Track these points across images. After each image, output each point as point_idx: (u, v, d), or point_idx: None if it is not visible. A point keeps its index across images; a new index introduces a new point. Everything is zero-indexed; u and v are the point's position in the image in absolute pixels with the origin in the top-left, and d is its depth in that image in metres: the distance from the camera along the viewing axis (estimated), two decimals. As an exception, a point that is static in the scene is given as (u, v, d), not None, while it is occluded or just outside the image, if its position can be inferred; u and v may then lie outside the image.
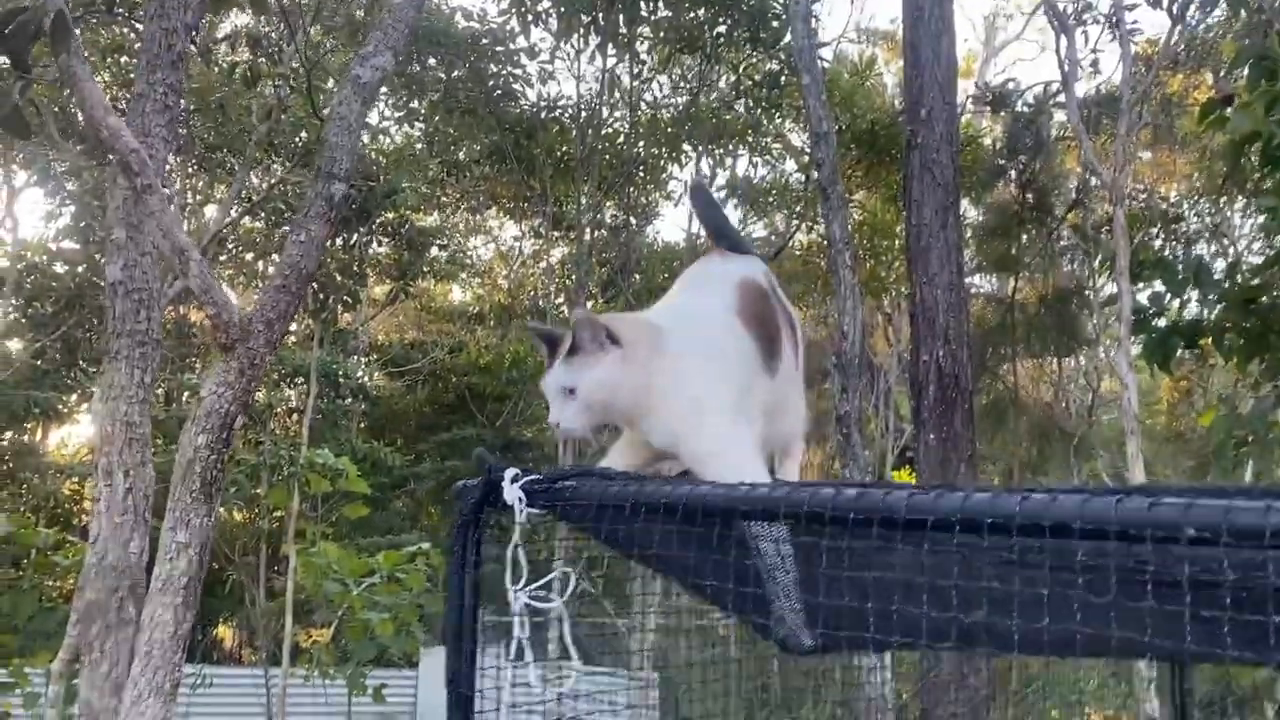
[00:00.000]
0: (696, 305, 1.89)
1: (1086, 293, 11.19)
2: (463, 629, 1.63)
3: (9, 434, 15.10)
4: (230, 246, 12.25)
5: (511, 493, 1.61)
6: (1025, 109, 9.51)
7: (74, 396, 15.54)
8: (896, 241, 11.35)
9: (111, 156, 2.85)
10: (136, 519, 3.12)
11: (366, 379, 15.88)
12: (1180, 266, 6.71)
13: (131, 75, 8.81)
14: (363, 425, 16.21)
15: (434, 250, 13.59)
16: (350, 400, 15.31)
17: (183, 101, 4.01)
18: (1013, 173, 10.16)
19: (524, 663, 1.58)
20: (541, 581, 1.59)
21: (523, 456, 17.64)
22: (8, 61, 2.20)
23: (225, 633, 17.50)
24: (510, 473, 1.63)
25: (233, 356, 2.86)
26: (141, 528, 3.12)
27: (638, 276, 11.12)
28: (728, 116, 10.45)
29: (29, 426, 15.71)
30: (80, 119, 7.99)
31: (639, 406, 1.70)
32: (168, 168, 4.29)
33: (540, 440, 17.00)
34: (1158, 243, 9.47)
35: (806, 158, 11.43)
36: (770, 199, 11.41)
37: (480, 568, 1.69)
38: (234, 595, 12.71)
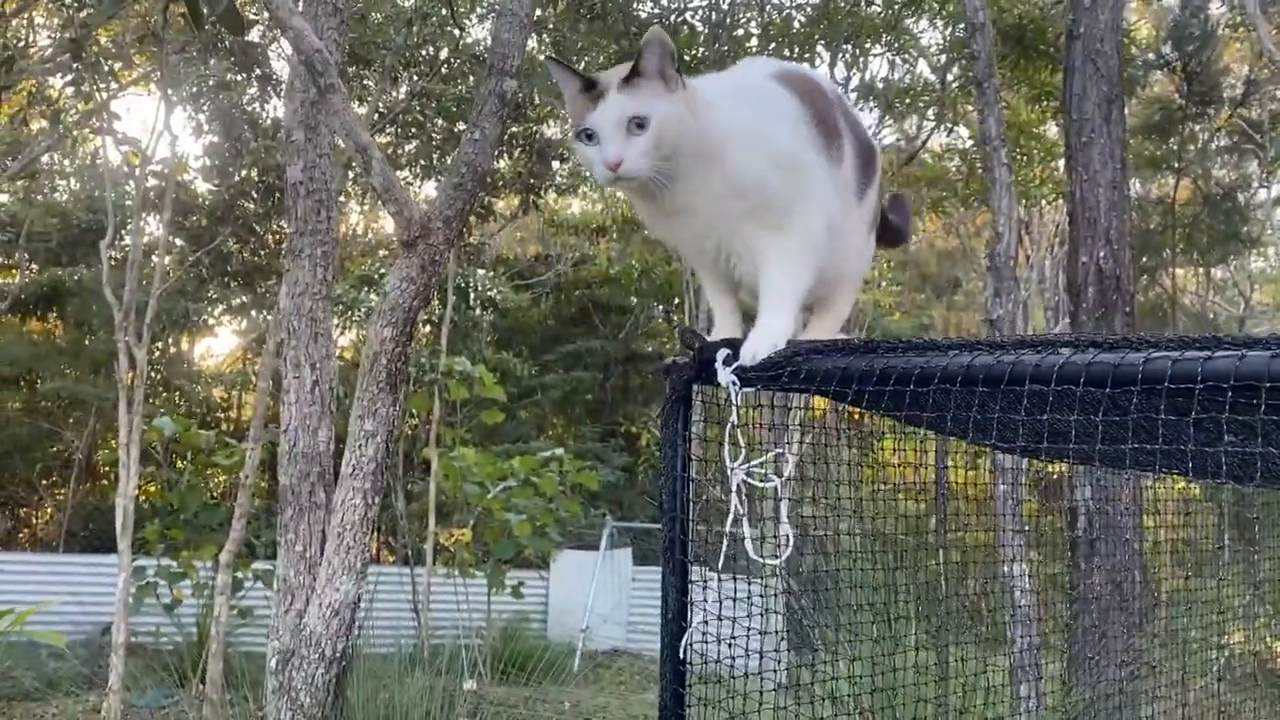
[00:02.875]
0: (728, 75, 1.72)
1: (1246, 192, 10.53)
2: (677, 499, 1.68)
3: (159, 344, 15.94)
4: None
5: (725, 376, 1.63)
6: (1192, -5, 8.90)
7: (219, 309, 16.32)
8: (1038, 145, 10.88)
9: (295, 56, 2.93)
10: (323, 409, 3.28)
11: (494, 292, 16.19)
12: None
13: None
14: (491, 337, 16.58)
15: (555, 164, 13.62)
16: (480, 312, 15.65)
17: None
18: (1175, 65, 9.55)
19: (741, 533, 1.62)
20: (759, 460, 1.62)
21: (643, 369, 17.84)
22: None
23: (364, 534, 18.32)
24: (722, 354, 1.64)
25: (414, 253, 2.94)
26: (328, 417, 3.29)
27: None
28: (864, 15, 10.09)
29: (177, 338, 16.60)
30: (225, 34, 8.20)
31: (701, 153, 1.52)
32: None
33: (664, 353, 17.10)
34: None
35: (942, 59, 11.00)
36: (906, 101, 11.03)
37: (691, 442, 1.74)
38: (374, 499, 13.24)
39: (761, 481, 1.62)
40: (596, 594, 11.86)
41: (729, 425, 1.63)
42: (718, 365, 1.59)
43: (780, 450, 1.64)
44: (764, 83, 1.66)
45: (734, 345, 1.61)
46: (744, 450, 1.62)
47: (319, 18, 3.38)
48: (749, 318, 1.75)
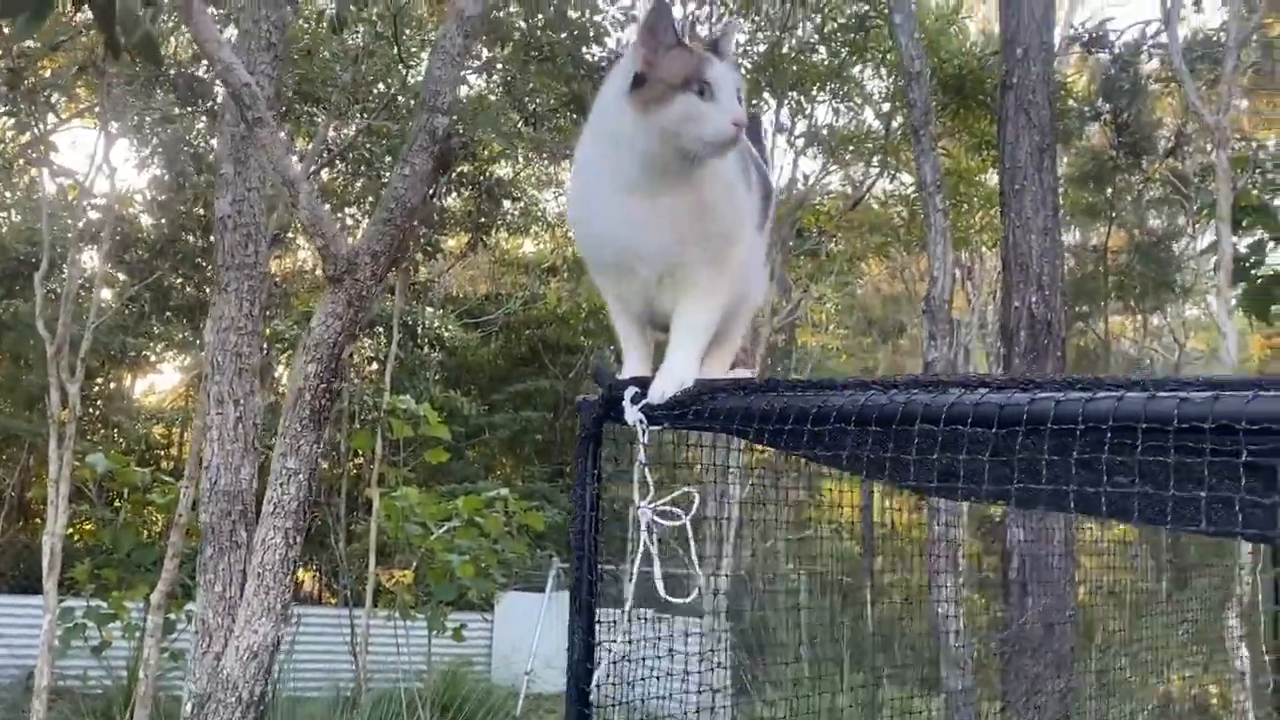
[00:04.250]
0: None
1: (1179, 242, 10.85)
2: (585, 539, 1.66)
3: (99, 380, 15.62)
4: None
5: (632, 415, 1.62)
6: (1122, 50, 9.19)
7: (160, 345, 16.05)
8: (978, 191, 11.11)
9: (224, 90, 2.91)
10: (246, 446, 3.22)
11: (443, 330, 16.10)
12: (1285, 213, 6.49)
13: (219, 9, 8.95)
14: (439, 376, 16.46)
15: (506, 203, 13.65)
16: (427, 350, 15.55)
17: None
18: (1107, 118, 9.88)
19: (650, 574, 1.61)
20: (668, 498, 1.61)
21: (594, 409, 17.78)
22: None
23: (305, 575, 18.00)
24: (630, 392, 1.63)
25: (340, 288, 2.91)
26: (251, 455, 3.23)
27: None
28: (810, 62, 10.29)
29: (116, 373, 16.28)
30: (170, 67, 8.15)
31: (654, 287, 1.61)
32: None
33: (612, 392, 17.00)
34: (1256, 190, 9.14)
35: (886, 106, 11.22)
36: (850, 147, 11.23)
37: (601, 480, 1.72)
38: (314, 539, 13.04)
39: (671, 521, 1.61)
40: (542, 636, 11.72)
41: (638, 463, 1.63)
42: (625, 404, 1.59)
43: (690, 488, 1.63)
44: None
45: (643, 383, 1.61)
46: (652, 489, 1.61)
47: (252, 52, 3.36)
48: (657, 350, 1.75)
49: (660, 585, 1.60)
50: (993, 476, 1.19)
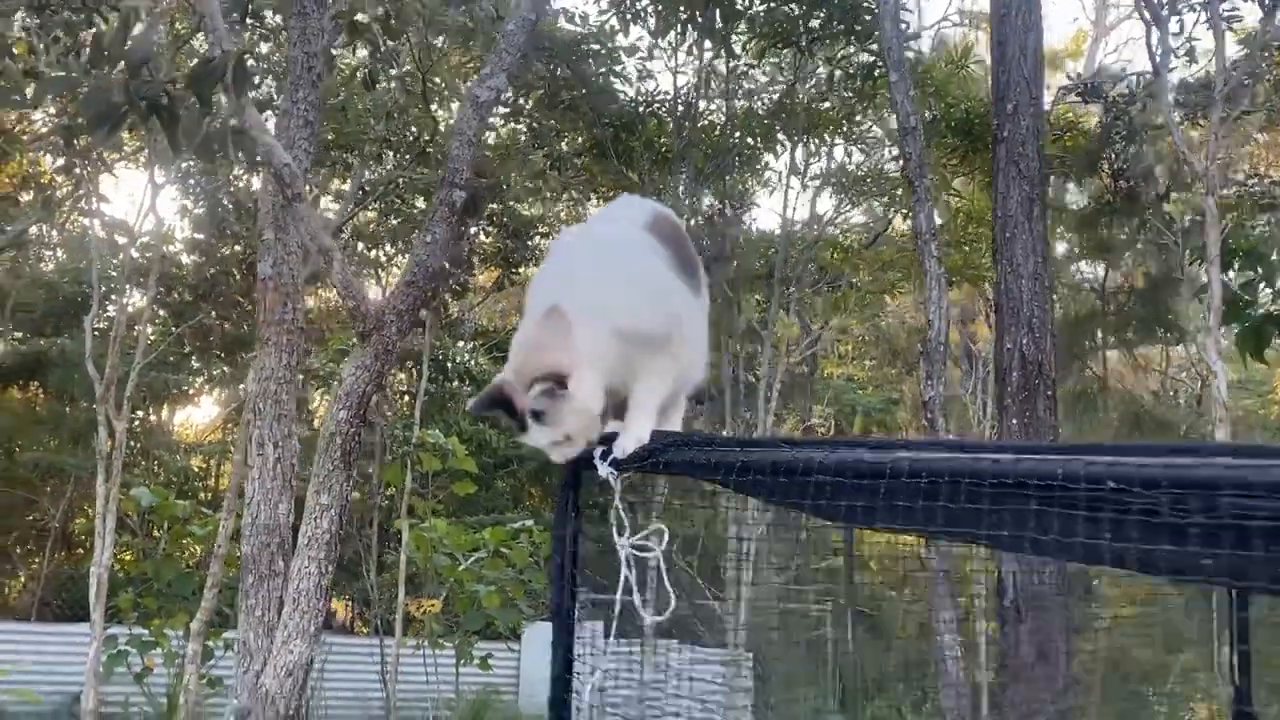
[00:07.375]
0: (598, 233, 2.14)
1: (1178, 280, 11.03)
2: (563, 570, 1.98)
3: (139, 413, 16.13)
4: (344, 236, 12.92)
5: (604, 469, 1.94)
6: (1120, 98, 9.45)
7: (199, 380, 16.56)
8: (990, 231, 11.35)
9: (267, 169, 3.28)
10: (284, 484, 3.58)
11: (472, 363, 16.49)
12: (1276, 254, 6.73)
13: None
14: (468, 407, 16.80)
15: (535, 239, 14.08)
16: (457, 383, 15.93)
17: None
18: (1105, 161, 10.15)
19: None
20: (643, 534, 1.92)
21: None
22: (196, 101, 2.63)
23: (340, 606, 18.34)
24: (599, 450, 1.96)
25: (369, 344, 3.27)
26: (288, 492, 3.58)
27: (735, 263, 11.37)
28: (823, 107, 10.65)
29: (157, 408, 16.79)
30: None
31: (616, 380, 1.92)
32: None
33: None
34: (1258, 230, 9.33)
35: (896, 150, 11.54)
36: (865, 186, 11.56)
37: (580, 517, 2.04)
38: (347, 570, 13.40)
39: (644, 553, 1.92)
40: (567, 665, 11.94)
41: (614, 506, 1.94)
42: (595, 460, 1.92)
43: (661, 526, 1.93)
44: (640, 237, 2.04)
45: (609, 440, 1.93)
46: (628, 528, 1.92)
47: (292, 129, 3.75)
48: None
49: (640, 607, 1.92)
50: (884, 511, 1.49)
